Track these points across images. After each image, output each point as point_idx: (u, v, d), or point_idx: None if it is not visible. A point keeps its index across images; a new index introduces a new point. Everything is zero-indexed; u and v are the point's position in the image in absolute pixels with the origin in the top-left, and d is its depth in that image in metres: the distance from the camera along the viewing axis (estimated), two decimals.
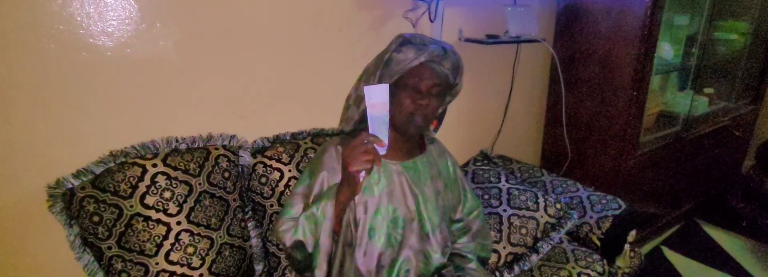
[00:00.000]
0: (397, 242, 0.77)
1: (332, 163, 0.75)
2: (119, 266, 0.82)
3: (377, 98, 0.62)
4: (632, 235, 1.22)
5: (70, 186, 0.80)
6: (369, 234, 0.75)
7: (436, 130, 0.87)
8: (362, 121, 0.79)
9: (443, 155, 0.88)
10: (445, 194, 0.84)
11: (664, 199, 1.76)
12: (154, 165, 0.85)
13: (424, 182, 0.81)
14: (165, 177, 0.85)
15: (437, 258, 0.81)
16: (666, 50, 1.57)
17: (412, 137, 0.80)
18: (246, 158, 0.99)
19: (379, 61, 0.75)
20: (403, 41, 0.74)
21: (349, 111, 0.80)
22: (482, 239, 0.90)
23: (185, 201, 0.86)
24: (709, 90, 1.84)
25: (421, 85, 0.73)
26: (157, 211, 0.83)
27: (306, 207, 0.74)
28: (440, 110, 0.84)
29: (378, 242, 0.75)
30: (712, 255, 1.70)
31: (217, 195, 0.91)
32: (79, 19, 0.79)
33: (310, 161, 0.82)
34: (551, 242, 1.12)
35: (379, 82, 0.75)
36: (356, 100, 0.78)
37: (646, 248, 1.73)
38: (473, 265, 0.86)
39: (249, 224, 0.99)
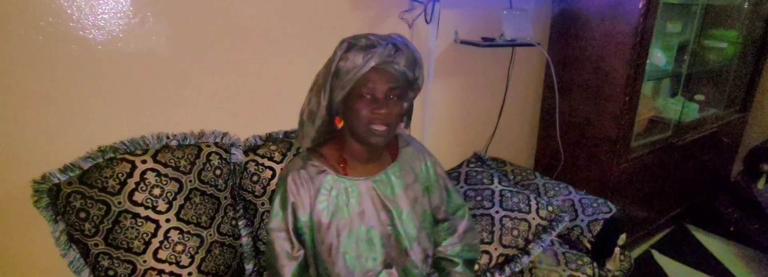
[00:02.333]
0: (376, 262, 0.75)
1: (297, 189, 0.72)
2: (106, 263, 0.80)
3: None
4: (622, 238, 1.23)
5: (57, 181, 0.79)
6: (344, 258, 0.74)
7: (407, 126, 0.80)
8: (319, 137, 0.75)
9: (420, 156, 0.83)
10: (424, 200, 0.81)
11: (655, 203, 1.77)
12: (144, 161, 0.84)
13: (398, 193, 0.77)
14: (155, 174, 0.84)
15: (417, 273, 0.80)
16: (658, 57, 1.60)
17: (378, 147, 0.75)
18: (238, 156, 0.98)
19: (327, 71, 0.69)
20: (348, 47, 0.68)
21: (304, 128, 0.74)
22: (469, 239, 0.88)
23: (175, 198, 0.85)
24: (699, 97, 1.87)
25: (377, 93, 0.67)
26: (146, 208, 0.82)
27: (290, 241, 0.72)
28: (408, 107, 0.78)
29: (352, 266, 0.74)
30: (701, 259, 1.72)
31: (208, 193, 0.90)
32: (69, 11, 0.78)
33: (276, 191, 0.77)
34: (542, 244, 1.13)
35: (331, 95, 0.70)
36: (309, 115, 0.73)
37: (637, 251, 1.75)
38: (460, 268, 0.85)
39: (240, 223, 0.98)
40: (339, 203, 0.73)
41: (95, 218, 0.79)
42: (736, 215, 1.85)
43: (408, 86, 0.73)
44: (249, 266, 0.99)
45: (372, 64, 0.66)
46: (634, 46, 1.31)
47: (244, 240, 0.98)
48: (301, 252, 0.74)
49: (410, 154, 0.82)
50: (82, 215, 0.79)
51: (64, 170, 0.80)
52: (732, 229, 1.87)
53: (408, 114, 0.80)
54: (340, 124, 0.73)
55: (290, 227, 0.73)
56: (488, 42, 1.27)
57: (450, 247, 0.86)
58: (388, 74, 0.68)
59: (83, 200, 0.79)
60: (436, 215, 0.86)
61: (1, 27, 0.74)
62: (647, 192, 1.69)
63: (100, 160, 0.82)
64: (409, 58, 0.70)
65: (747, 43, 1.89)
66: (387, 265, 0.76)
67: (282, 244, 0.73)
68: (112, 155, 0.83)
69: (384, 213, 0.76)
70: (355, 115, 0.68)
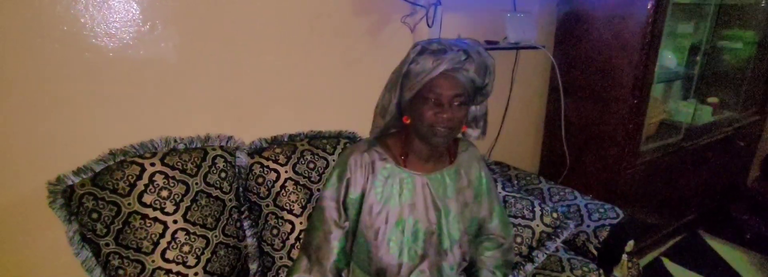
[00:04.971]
0: (417, 256, 0.77)
1: (357, 167, 0.77)
2: (116, 262, 0.83)
3: None
4: (630, 245, 1.21)
5: (71, 183, 0.82)
6: (389, 245, 0.76)
7: (483, 133, 0.83)
8: (387, 130, 0.81)
9: (476, 164, 0.86)
10: (474, 206, 0.83)
11: (666, 209, 1.73)
12: (153, 164, 0.87)
13: (449, 196, 0.80)
14: (163, 176, 0.86)
15: (452, 275, 0.80)
16: (669, 58, 1.56)
17: (439, 147, 0.79)
18: (243, 159, 1.00)
19: (399, 73, 0.73)
20: (421, 50, 0.70)
21: (375, 120, 0.80)
22: (510, 257, 0.89)
23: (182, 200, 0.87)
24: (713, 99, 1.82)
25: (442, 99, 0.70)
26: (155, 209, 0.85)
27: (338, 211, 0.76)
28: (481, 112, 0.82)
29: (395, 253, 0.76)
30: (715, 268, 1.67)
31: (214, 195, 0.93)
32: (82, 20, 0.82)
33: (337, 164, 0.83)
34: (547, 252, 1.11)
35: (401, 94, 0.75)
36: (381, 110, 0.79)
37: (647, 258, 1.70)
38: None
39: (244, 224, 1.00)
40: (392, 192, 0.76)
41: (106, 218, 0.82)
42: (753, 222, 1.79)
43: (475, 92, 0.75)
44: (253, 267, 1.01)
45: (441, 69, 0.68)
46: (643, 48, 1.29)
47: (249, 241, 1.00)
48: (347, 224, 0.78)
49: (467, 160, 0.85)
50: (94, 215, 0.82)
51: (77, 172, 0.83)
52: (748, 236, 1.81)
53: (483, 119, 0.83)
54: (406, 122, 0.77)
55: (341, 199, 0.76)
56: (491, 45, 1.27)
57: (492, 259, 0.86)
58: (455, 80, 0.70)
59: (95, 201, 0.82)
60: (481, 226, 0.87)
61: (21, 36, 0.78)
62: (658, 198, 1.65)
63: (111, 162, 0.85)
64: (479, 65, 0.72)
65: (764, 44, 1.83)
66: (423, 261, 0.78)
67: (332, 212, 0.78)
68: (123, 158, 0.86)
69: (433, 211, 0.78)
70: (420, 116, 0.72)
